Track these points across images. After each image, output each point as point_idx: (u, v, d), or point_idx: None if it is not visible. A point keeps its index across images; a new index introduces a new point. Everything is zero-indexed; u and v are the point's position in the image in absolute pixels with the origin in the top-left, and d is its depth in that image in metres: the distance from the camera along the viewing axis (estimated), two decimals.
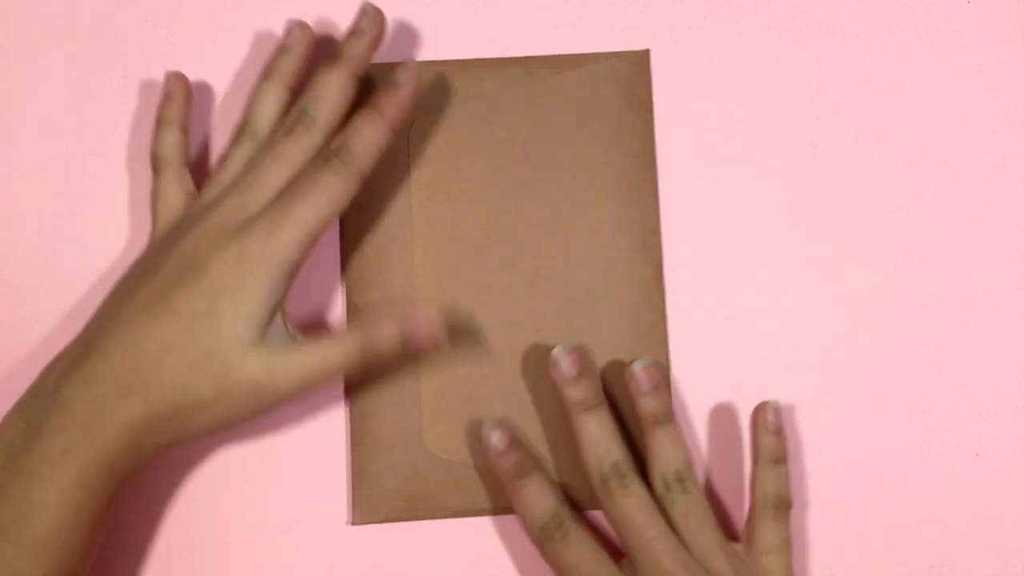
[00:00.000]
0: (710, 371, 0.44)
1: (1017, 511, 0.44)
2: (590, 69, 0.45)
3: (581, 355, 0.41)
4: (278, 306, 0.39)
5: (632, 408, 0.43)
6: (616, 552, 0.42)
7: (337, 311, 0.44)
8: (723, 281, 0.45)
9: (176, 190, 0.42)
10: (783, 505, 0.41)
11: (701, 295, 0.45)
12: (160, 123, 0.43)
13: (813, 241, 0.45)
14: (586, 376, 0.41)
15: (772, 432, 0.42)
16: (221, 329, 0.37)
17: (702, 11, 0.46)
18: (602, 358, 0.44)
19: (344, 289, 0.44)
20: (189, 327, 0.37)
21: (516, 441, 0.42)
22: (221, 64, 0.45)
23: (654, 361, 0.42)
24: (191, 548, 0.43)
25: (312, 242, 0.38)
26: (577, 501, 0.43)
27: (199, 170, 0.45)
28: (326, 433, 0.44)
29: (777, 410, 0.43)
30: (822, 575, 0.43)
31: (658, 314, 0.44)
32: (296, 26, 0.42)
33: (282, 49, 0.42)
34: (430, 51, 0.45)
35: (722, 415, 0.44)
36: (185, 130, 0.43)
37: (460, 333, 0.44)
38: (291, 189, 0.39)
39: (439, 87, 0.44)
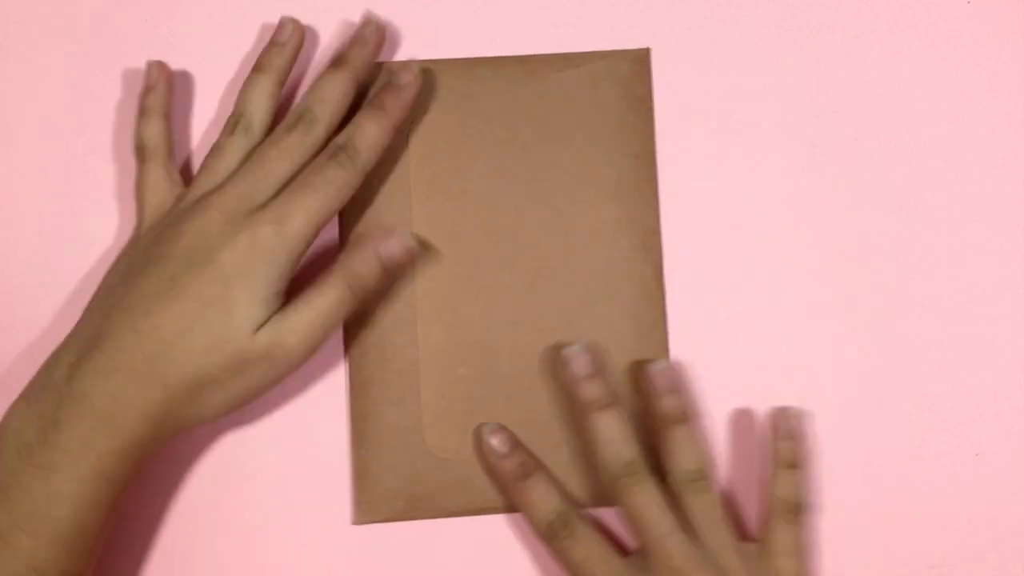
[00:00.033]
0: (710, 371, 0.44)
1: (1017, 511, 0.44)
2: (590, 68, 0.45)
3: (594, 354, 0.42)
4: (284, 290, 0.40)
5: (642, 408, 0.43)
6: (624, 548, 0.42)
7: None
8: (723, 281, 0.45)
9: (163, 179, 0.42)
10: (799, 509, 0.42)
11: (701, 295, 0.45)
12: (143, 112, 0.43)
13: (813, 241, 0.45)
14: (599, 375, 0.41)
15: (789, 437, 0.42)
16: (235, 313, 0.38)
17: (702, 11, 0.46)
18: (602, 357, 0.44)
19: None
20: (203, 312, 0.38)
21: (517, 443, 0.42)
22: (221, 64, 0.45)
23: (671, 363, 0.42)
24: (192, 547, 0.43)
25: (317, 232, 0.40)
26: (580, 498, 0.43)
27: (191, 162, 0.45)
28: (327, 433, 0.44)
29: (798, 416, 0.43)
30: (822, 575, 0.43)
31: (658, 314, 0.44)
32: (289, 22, 0.43)
33: (275, 44, 0.43)
34: (430, 50, 0.45)
35: (722, 415, 0.44)
36: (169, 119, 0.43)
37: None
38: (300, 182, 0.40)
39: (439, 86, 0.44)
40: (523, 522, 0.43)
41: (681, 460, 0.41)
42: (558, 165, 0.44)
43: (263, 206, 0.39)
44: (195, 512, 0.43)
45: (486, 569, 0.43)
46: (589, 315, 0.44)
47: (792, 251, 0.45)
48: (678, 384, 0.42)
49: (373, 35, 0.43)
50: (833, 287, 0.45)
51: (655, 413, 0.42)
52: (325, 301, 0.39)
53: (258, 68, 0.43)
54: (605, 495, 0.43)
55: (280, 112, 0.43)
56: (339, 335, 0.44)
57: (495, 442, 0.42)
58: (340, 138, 0.41)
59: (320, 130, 0.41)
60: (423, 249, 0.44)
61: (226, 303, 0.38)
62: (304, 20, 0.45)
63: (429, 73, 0.44)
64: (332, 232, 0.44)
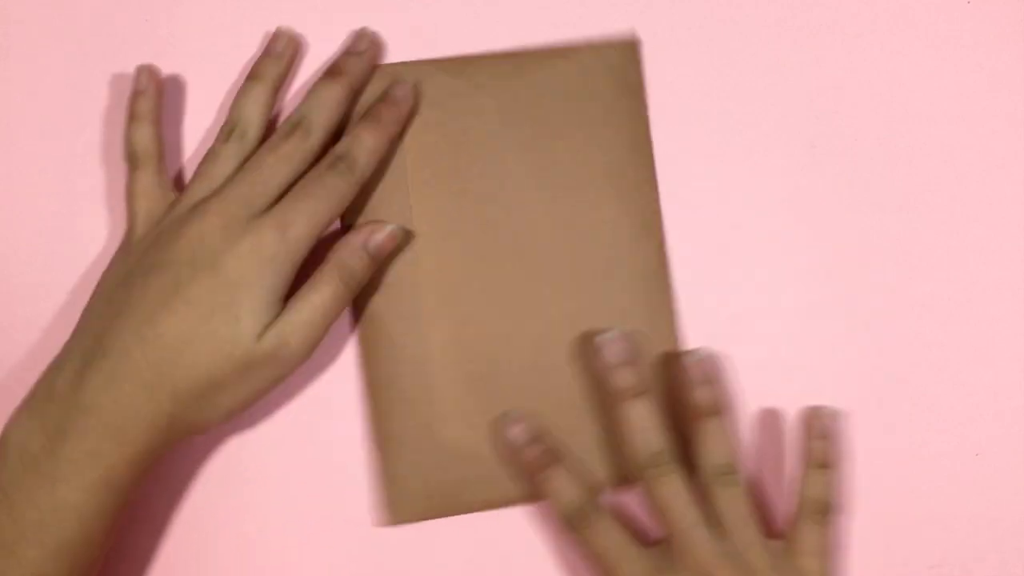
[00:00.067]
0: None
1: (1017, 511, 0.44)
2: (580, 59, 0.45)
3: (627, 342, 0.42)
4: (285, 294, 0.40)
5: (671, 397, 0.43)
6: (648, 538, 0.42)
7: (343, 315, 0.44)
8: (723, 281, 0.45)
9: (155, 186, 0.42)
10: (827, 510, 0.41)
11: (701, 295, 0.45)
12: (134, 118, 0.43)
13: (813, 241, 0.45)
14: (632, 363, 0.41)
15: (821, 437, 0.42)
16: (240, 320, 0.39)
17: (702, 11, 0.46)
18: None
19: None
20: (208, 319, 0.38)
21: (538, 432, 0.42)
22: (221, 64, 0.45)
23: (706, 354, 0.42)
24: (197, 552, 0.43)
25: (317, 238, 0.40)
26: (600, 483, 0.43)
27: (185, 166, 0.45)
28: (332, 436, 0.44)
29: (832, 415, 0.43)
30: None
31: (665, 296, 0.44)
32: (284, 34, 0.44)
33: (270, 54, 0.44)
34: (419, 49, 0.45)
35: None
36: (159, 124, 0.43)
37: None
38: (300, 189, 0.40)
39: (430, 86, 0.44)
40: (535, 517, 0.43)
41: (711, 453, 0.41)
42: (554, 156, 0.44)
43: (264, 212, 0.40)
44: (200, 516, 0.43)
45: (505, 564, 0.43)
46: (595, 301, 0.44)
47: (792, 251, 0.45)
48: (712, 375, 0.42)
49: (368, 46, 0.44)
50: (833, 287, 0.45)
51: (687, 404, 0.42)
52: (322, 298, 0.40)
53: (253, 76, 0.43)
54: (625, 478, 0.43)
55: (273, 122, 0.44)
56: (348, 340, 0.44)
57: (515, 432, 0.42)
58: (339, 148, 0.41)
59: (316, 138, 0.41)
60: (427, 246, 0.44)
61: (231, 309, 0.38)
62: (301, 23, 0.45)
63: (421, 70, 0.44)
64: (335, 238, 0.45)
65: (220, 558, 0.43)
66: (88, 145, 0.45)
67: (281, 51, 0.44)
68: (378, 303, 0.44)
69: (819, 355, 0.44)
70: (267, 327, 0.39)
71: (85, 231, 0.45)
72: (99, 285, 0.41)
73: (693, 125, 0.45)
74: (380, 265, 0.43)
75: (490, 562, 0.44)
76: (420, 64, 0.45)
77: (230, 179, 0.41)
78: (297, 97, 0.45)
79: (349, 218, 0.44)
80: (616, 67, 0.45)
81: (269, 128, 0.43)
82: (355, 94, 0.43)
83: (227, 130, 0.42)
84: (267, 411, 0.44)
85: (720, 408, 0.41)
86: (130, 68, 0.45)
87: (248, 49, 0.45)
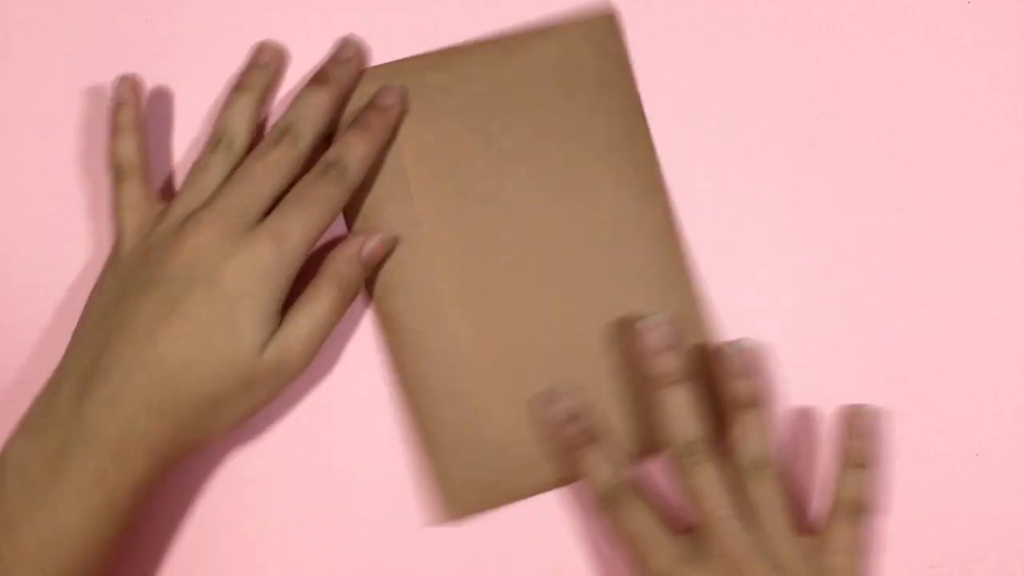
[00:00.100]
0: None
1: (1017, 511, 0.44)
2: (562, 37, 0.45)
3: (670, 328, 0.42)
4: (282, 305, 0.40)
5: (709, 384, 0.43)
6: (677, 522, 0.42)
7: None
8: (723, 281, 0.45)
9: (142, 198, 0.42)
10: (861, 509, 0.41)
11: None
12: (116, 130, 0.43)
13: (813, 241, 0.45)
14: (673, 349, 0.41)
15: (860, 436, 0.42)
16: (241, 335, 0.38)
17: (702, 11, 0.46)
18: (627, 313, 0.44)
19: (370, 299, 0.44)
20: (209, 336, 0.38)
21: (576, 411, 0.42)
22: (221, 64, 0.45)
23: (748, 344, 0.42)
24: (202, 563, 0.43)
25: (312, 248, 0.40)
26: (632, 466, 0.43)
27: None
28: (339, 443, 0.44)
29: (873, 414, 0.43)
30: None
31: (679, 263, 0.44)
32: (269, 46, 0.44)
33: (255, 65, 0.44)
34: (421, 48, 0.45)
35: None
36: (142, 135, 0.43)
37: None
38: (293, 198, 0.40)
39: (416, 84, 0.44)
40: (535, 518, 0.43)
41: (748, 445, 0.41)
42: (551, 138, 0.44)
43: (257, 222, 0.40)
44: (200, 525, 0.43)
45: (504, 566, 0.43)
46: (610, 274, 0.44)
47: (792, 251, 0.45)
48: (752, 367, 0.42)
49: (354, 53, 0.44)
50: (833, 287, 0.45)
51: (726, 395, 0.42)
52: (322, 309, 0.40)
53: (239, 87, 0.43)
54: (653, 447, 0.43)
55: (259, 132, 0.44)
56: (344, 346, 0.44)
57: (555, 409, 0.42)
58: (330, 154, 0.41)
59: (305, 144, 0.41)
60: (437, 244, 0.44)
61: (232, 325, 0.38)
62: (301, 23, 0.45)
63: (406, 69, 0.44)
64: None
65: (222, 566, 0.43)
66: (88, 144, 0.45)
67: (267, 62, 0.44)
68: (398, 307, 0.43)
69: (819, 355, 0.44)
70: (268, 340, 0.39)
71: (86, 229, 0.45)
72: (91, 300, 0.41)
73: (693, 125, 0.45)
74: (371, 272, 0.43)
75: (490, 563, 0.44)
76: (404, 63, 0.45)
77: (219, 189, 0.40)
78: (283, 107, 0.45)
79: (354, 224, 0.44)
80: (597, 40, 0.45)
81: (256, 138, 0.43)
82: (342, 101, 0.43)
83: (214, 140, 0.42)
84: (267, 418, 0.44)
85: (759, 400, 0.41)
86: (130, 68, 0.45)
87: (247, 50, 0.45)
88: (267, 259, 0.39)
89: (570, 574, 0.44)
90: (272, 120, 0.45)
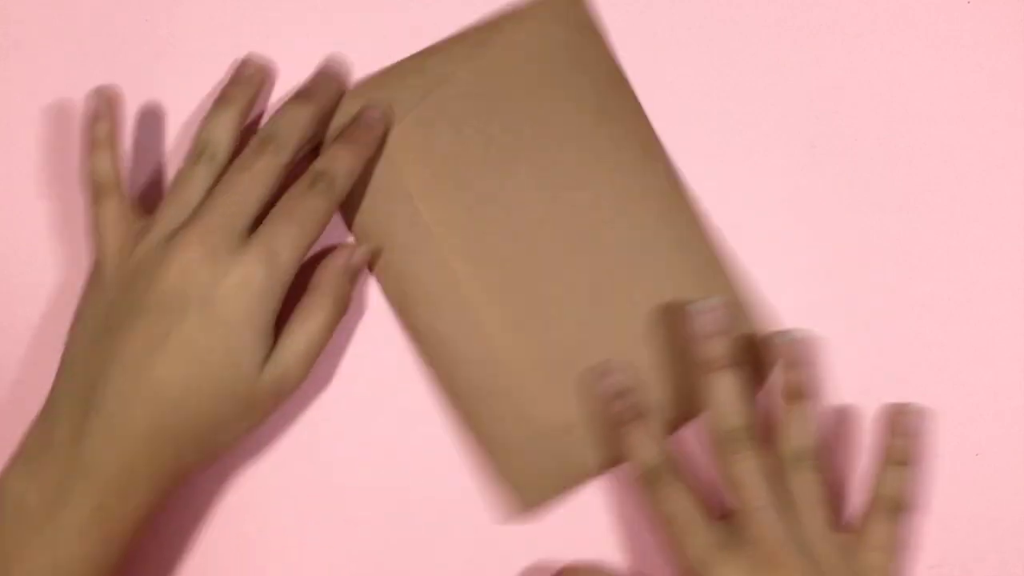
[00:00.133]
0: None
1: (1017, 511, 0.44)
2: (530, 19, 0.44)
3: (720, 312, 0.41)
4: (275, 320, 0.40)
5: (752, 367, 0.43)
6: (715, 508, 0.42)
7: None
8: None
9: (121, 217, 0.40)
10: (901, 507, 0.41)
11: None
12: (92, 146, 0.41)
13: (813, 241, 0.45)
14: (723, 334, 0.41)
15: (903, 434, 0.42)
16: (239, 359, 0.38)
17: (702, 11, 0.46)
18: (650, 285, 0.43)
19: (395, 317, 0.44)
20: (206, 363, 0.37)
21: (625, 388, 0.42)
22: (221, 64, 0.45)
23: (800, 335, 0.42)
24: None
25: (302, 262, 0.40)
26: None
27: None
28: (339, 456, 0.44)
29: (918, 413, 0.42)
30: None
31: (692, 221, 0.44)
32: (254, 61, 0.44)
33: (239, 78, 0.43)
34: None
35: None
36: (119, 148, 0.41)
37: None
38: (282, 212, 0.40)
39: (400, 93, 0.44)
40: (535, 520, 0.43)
41: (792, 436, 0.40)
42: (539, 121, 0.44)
43: (245, 235, 0.39)
44: (202, 541, 0.43)
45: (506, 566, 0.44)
46: (624, 249, 0.43)
47: (792, 251, 0.45)
48: (803, 358, 0.41)
49: (340, 70, 0.44)
50: (833, 287, 0.45)
51: (780, 384, 0.41)
52: (317, 325, 0.40)
53: (222, 99, 0.42)
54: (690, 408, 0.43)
55: (241, 144, 0.42)
56: (340, 357, 0.44)
57: (606, 384, 0.42)
58: (318, 165, 0.41)
59: (288, 153, 0.40)
60: (450, 246, 0.43)
61: (228, 350, 0.38)
62: (301, 22, 0.45)
63: (386, 81, 0.44)
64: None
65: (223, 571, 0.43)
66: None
67: (250, 75, 0.43)
68: (425, 318, 0.43)
69: (819, 355, 0.44)
70: (265, 359, 0.39)
71: (85, 231, 0.45)
72: (76, 325, 0.40)
73: (693, 125, 0.45)
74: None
75: (491, 563, 0.44)
76: (381, 77, 0.44)
77: (204, 202, 0.39)
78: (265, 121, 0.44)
79: (357, 234, 0.44)
80: (565, 15, 0.45)
81: (239, 149, 0.42)
82: (324, 116, 0.43)
83: (196, 151, 0.41)
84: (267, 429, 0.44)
85: (807, 392, 0.41)
86: (130, 68, 0.45)
87: (249, 47, 0.45)
88: (259, 278, 0.38)
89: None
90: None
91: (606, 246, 0.44)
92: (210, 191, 0.40)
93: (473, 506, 0.44)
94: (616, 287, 0.43)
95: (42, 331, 0.44)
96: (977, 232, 0.45)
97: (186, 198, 0.40)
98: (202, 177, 0.40)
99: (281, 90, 0.45)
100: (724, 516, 0.40)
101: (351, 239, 0.44)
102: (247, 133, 0.43)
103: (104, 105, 0.42)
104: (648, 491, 0.40)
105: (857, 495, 0.43)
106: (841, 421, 0.44)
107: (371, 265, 0.44)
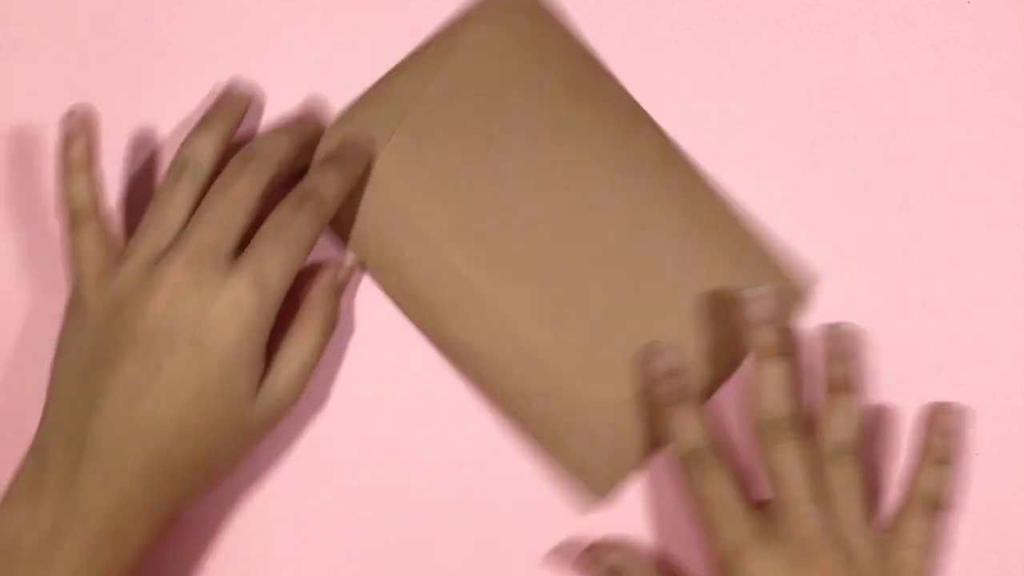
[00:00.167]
0: None
1: (1017, 511, 0.44)
2: (484, 20, 0.44)
3: (774, 300, 0.41)
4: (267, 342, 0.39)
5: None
6: (753, 496, 0.42)
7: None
8: None
9: (100, 244, 0.39)
10: (938, 505, 0.41)
11: None
12: (68, 170, 0.39)
13: (813, 241, 0.45)
14: (777, 321, 0.41)
15: (943, 433, 0.42)
16: (232, 391, 0.37)
17: (702, 11, 0.46)
18: (671, 259, 0.43)
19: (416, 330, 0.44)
20: (199, 397, 0.36)
21: (676, 369, 0.42)
22: (222, 64, 0.45)
23: (848, 328, 0.42)
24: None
25: (291, 283, 0.39)
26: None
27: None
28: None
29: (959, 412, 0.42)
30: None
31: (695, 181, 0.44)
32: (239, 86, 0.43)
33: (223, 102, 0.42)
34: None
35: (721, 414, 0.44)
36: (96, 170, 0.40)
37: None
38: (270, 233, 0.38)
39: (377, 124, 0.44)
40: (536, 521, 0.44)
41: (835, 429, 0.40)
42: (517, 113, 0.44)
43: (232, 261, 0.38)
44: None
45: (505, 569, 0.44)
46: (639, 228, 0.43)
47: (791, 251, 0.45)
48: (851, 351, 0.41)
49: (313, 108, 0.44)
50: (833, 287, 0.45)
51: (822, 376, 0.42)
52: (311, 346, 0.40)
53: (205, 120, 0.41)
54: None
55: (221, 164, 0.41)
56: (336, 370, 0.44)
57: (657, 363, 0.42)
58: (306, 184, 0.40)
59: (270, 173, 0.39)
60: (457, 256, 0.43)
61: (222, 381, 0.37)
62: (300, 22, 0.45)
63: (359, 116, 0.44)
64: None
65: None
66: None
67: (234, 101, 0.43)
68: (457, 334, 0.43)
69: (864, 350, 0.44)
70: (259, 386, 0.38)
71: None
72: (59, 358, 0.38)
73: (693, 125, 0.45)
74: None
75: (490, 563, 0.44)
76: (354, 109, 0.44)
77: (187, 224, 0.38)
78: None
79: (374, 277, 0.44)
80: (518, 6, 0.44)
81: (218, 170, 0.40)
82: (305, 144, 0.42)
83: (177, 169, 0.39)
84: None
85: (853, 386, 0.41)
86: (130, 68, 0.45)
87: (249, 46, 0.45)
88: (249, 304, 0.37)
89: (569, 573, 0.43)
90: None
91: (614, 223, 0.44)
92: (193, 210, 0.39)
93: (475, 522, 0.44)
94: (634, 263, 0.43)
95: (18, 360, 0.44)
96: (977, 232, 0.45)
97: (168, 218, 0.38)
98: (184, 194, 0.39)
99: (281, 91, 0.45)
100: (759, 505, 0.40)
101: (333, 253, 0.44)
102: (229, 155, 0.41)
103: (78, 126, 0.40)
104: (689, 473, 0.40)
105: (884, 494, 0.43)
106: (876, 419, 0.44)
107: (385, 290, 0.44)
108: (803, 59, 0.46)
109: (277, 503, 0.43)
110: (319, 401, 0.44)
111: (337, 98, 0.45)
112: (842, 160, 0.45)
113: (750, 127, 0.45)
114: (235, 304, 0.37)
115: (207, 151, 0.40)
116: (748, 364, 0.43)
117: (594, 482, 0.43)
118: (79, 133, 0.40)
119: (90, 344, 0.37)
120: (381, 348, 0.44)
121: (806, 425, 0.41)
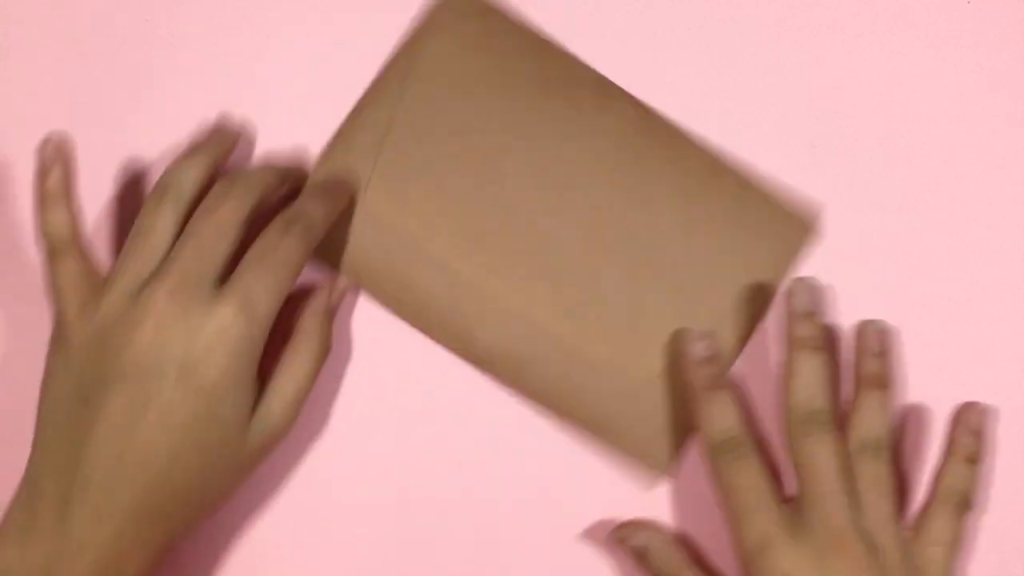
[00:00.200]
0: None
1: (1017, 511, 0.44)
2: (437, 28, 0.44)
3: (815, 293, 0.41)
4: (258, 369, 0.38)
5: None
6: (782, 489, 0.42)
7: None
8: None
9: (82, 275, 0.38)
10: (964, 503, 0.41)
11: None
12: (45, 201, 0.39)
13: (813, 240, 0.45)
14: (814, 314, 0.41)
15: (971, 432, 0.42)
16: (224, 422, 0.36)
17: (702, 11, 0.46)
18: (680, 233, 0.44)
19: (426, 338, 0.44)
20: (191, 430, 0.36)
21: (715, 354, 0.42)
22: (221, 65, 0.45)
23: (884, 325, 0.42)
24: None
25: (279, 308, 0.38)
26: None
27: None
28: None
29: (986, 412, 0.43)
30: None
31: (710, 160, 0.44)
32: (230, 123, 0.43)
33: (212, 137, 0.42)
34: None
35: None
36: (74, 199, 0.39)
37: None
38: (257, 259, 0.37)
39: (355, 160, 0.44)
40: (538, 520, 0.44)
41: (866, 425, 0.40)
42: (493, 115, 0.44)
43: (218, 288, 0.37)
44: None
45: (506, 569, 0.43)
46: (633, 198, 0.44)
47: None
48: (887, 348, 0.42)
49: (304, 162, 0.43)
50: (833, 287, 0.45)
51: (856, 371, 0.42)
52: (304, 371, 0.39)
53: (190, 150, 0.41)
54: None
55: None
56: (332, 393, 0.44)
57: (697, 348, 0.42)
58: (294, 208, 0.39)
59: (253, 201, 0.39)
60: (464, 268, 0.43)
61: (212, 413, 0.36)
62: (300, 21, 0.45)
63: (331, 165, 0.44)
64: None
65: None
66: (86, 144, 0.45)
67: (222, 137, 0.42)
68: (485, 342, 0.43)
69: (898, 347, 0.44)
70: (252, 414, 0.37)
71: (91, 229, 0.45)
72: (46, 393, 0.37)
73: (693, 125, 0.45)
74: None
75: (490, 563, 0.44)
76: (331, 150, 0.44)
77: (170, 250, 0.37)
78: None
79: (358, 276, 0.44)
80: (467, 10, 0.44)
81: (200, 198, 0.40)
82: (288, 175, 0.42)
83: (160, 193, 0.38)
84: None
85: (886, 382, 0.41)
86: (130, 68, 0.45)
87: (249, 45, 0.45)
88: (237, 331, 0.36)
89: (568, 573, 0.43)
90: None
91: (611, 201, 0.44)
92: (176, 236, 0.38)
93: (475, 546, 0.44)
94: (639, 235, 0.43)
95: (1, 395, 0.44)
96: (977, 232, 0.45)
97: (150, 244, 0.38)
98: (167, 220, 0.38)
99: (281, 92, 0.45)
100: (787, 499, 0.40)
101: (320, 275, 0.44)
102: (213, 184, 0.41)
103: (52, 154, 0.39)
104: (720, 462, 0.40)
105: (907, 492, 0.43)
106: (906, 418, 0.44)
107: (403, 317, 0.44)
108: (803, 59, 0.46)
109: (275, 529, 0.43)
110: (315, 425, 0.44)
111: (337, 98, 0.45)
112: (842, 160, 0.45)
113: (750, 127, 0.45)
114: (223, 331, 0.36)
115: (190, 177, 0.39)
116: (777, 357, 0.43)
117: (654, 458, 0.43)
118: (54, 161, 0.39)
119: (76, 377, 0.36)
120: (377, 368, 0.44)
121: (838, 420, 0.41)
